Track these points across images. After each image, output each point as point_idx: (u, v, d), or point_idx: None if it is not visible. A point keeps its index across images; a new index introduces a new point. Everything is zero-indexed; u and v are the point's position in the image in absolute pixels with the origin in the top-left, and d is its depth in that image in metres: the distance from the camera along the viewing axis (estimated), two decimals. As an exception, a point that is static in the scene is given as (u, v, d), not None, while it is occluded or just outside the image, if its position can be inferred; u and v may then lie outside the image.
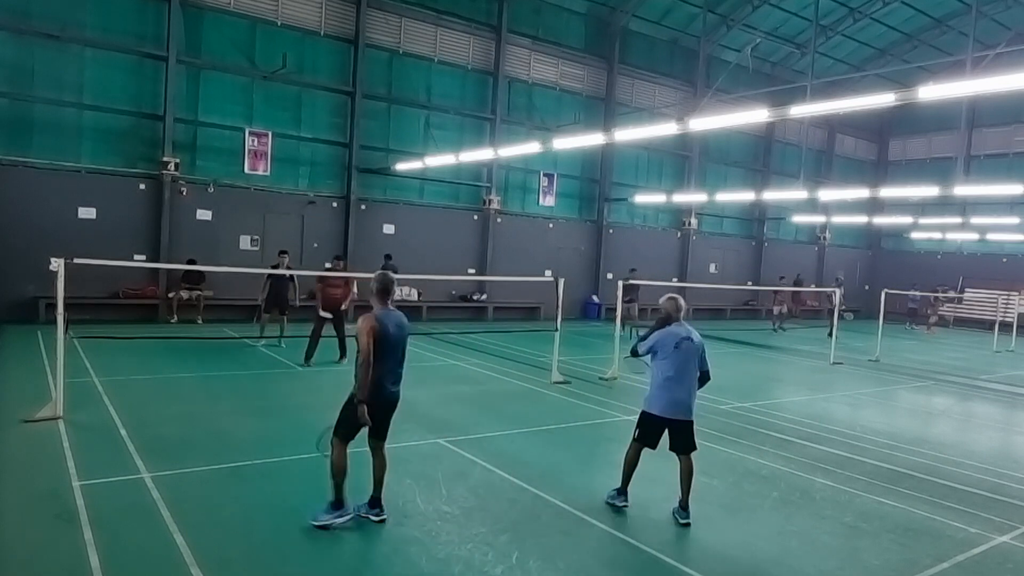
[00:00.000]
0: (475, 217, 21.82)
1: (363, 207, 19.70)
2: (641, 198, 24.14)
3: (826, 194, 23.64)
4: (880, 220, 28.98)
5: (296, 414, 8.67)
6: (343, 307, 12.04)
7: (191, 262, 15.64)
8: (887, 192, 24.46)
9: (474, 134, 21.42)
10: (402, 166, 19.22)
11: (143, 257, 16.36)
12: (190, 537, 4.91)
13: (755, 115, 13.37)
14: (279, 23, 18.12)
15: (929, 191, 20.05)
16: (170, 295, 16.64)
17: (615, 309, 13.33)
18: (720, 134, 26.02)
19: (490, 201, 21.77)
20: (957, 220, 25.56)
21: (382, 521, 5.38)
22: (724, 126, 19.66)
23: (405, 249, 19.71)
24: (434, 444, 7.66)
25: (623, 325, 13.44)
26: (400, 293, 20.18)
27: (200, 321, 16.52)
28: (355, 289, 12.39)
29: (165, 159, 16.55)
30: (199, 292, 16.80)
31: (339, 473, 5.29)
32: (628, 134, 17.16)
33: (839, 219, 29.42)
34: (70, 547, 4.69)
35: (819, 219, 29.36)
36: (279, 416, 8.64)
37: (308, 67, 18.57)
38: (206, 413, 8.58)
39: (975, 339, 24.19)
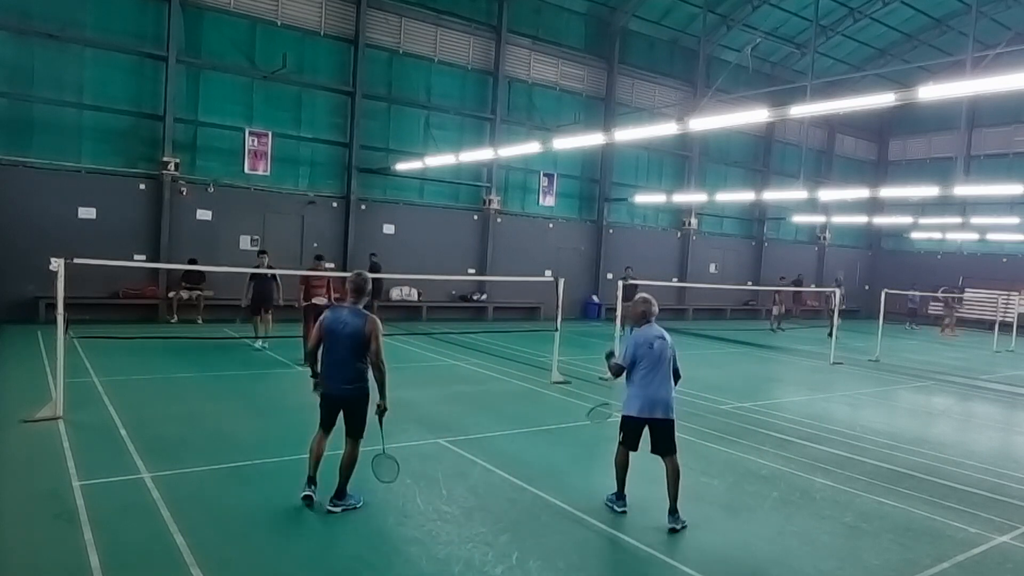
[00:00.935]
0: (475, 217, 21.82)
1: (363, 207, 19.70)
2: (641, 198, 24.14)
3: (826, 194, 23.64)
4: (880, 220, 28.99)
5: (296, 414, 8.64)
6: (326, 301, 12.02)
7: (192, 261, 15.64)
8: (887, 192, 24.47)
9: (474, 134, 21.42)
10: (402, 166, 19.23)
11: (143, 257, 16.37)
12: (190, 537, 4.91)
13: (755, 115, 13.37)
14: (279, 23, 18.13)
15: (929, 191, 20.06)
16: (170, 295, 16.64)
17: (615, 309, 13.33)
18: (720, 134, 26.01)
19: (490, 201, 21.77)
20: (957, 220, 25.57)
21: (336, 512, 5.49)
22: (724, 126, 19.65)
23: (405, 249, 19.73)
24: (434, 444, 7.66)
25: (622, 325, 13.44)
26: (400, 293, 20.22)
27: (200, 321, 16.53)
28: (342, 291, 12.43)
29: (165, 159, 16.55)
30: (199, 292, 16.81)
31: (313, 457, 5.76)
32: (628, 134, 17.16)
33: (839, 219, 29.43)
34: (70, 547, 4.69)
35: (819, 219, 29.36)
36: (279, 416, 8.64)
37: (308, 67, 18.57)
38: (206, 413, 8.58)
39: (975, 339, 24.18)
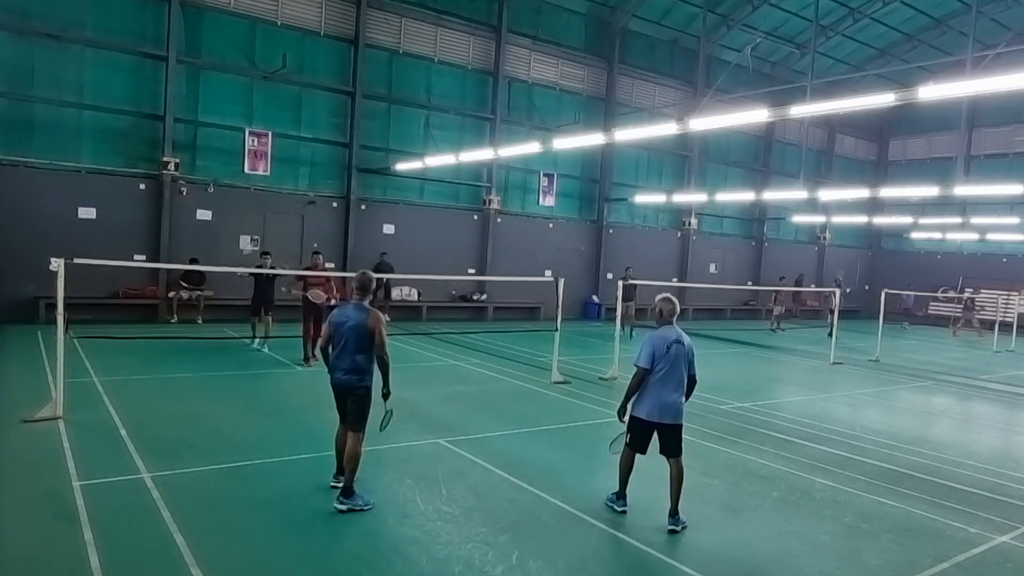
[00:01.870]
0: (475, 217, 21.82)
1: (363, 207, 19.70)
2: (641, 198, 24.14)
3: (826, 194, 23.64)
4: (880, 220, 28.98)
5: (296, 414, 8.67)
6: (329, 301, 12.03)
7: (193, 261, 15.64)
8: (887, 192, 24.46)
9: (474, 134, 21.42)
10: (402, 166, 19.23)
11: (143, 257, 16.36)
12: (190, 537, 4.91)
13: (755, 115, 13.36)
14: (279, 23, 18.12)
15: (929, 191, 20.06)
16: (170, 295, 16.64)
17: (615, 309, 13.34)
18: (720, 134, 26.01)
19: (490, 201, 21.77)
20: (957, 220, 25.57)
21: (343, 511, 5.54)
22: (724, 126, 19.64)
23: (405, 249, 19.72)
24: (434, 444, 7.66)
25: (622, 326, 13.45)
26: (400, 293, 20.23)
27: (200, 321, 16.52)
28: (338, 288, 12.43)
29: (165, 159, 16.55)
30: (199, 292, 16.81)
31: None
32: (628, 134, 17.16)
33: (839, 219, 29.42)
34: (70, 547, 4.69)
35: (819, 219, 29.35)
36: (279, 416, 8.64)
37: (308, 67, 18.57)
38: (206, 413, 8.58)
39: (975, 339, 24.18)
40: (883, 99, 10.48)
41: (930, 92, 10.16)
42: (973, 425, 11.19)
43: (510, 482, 6.55)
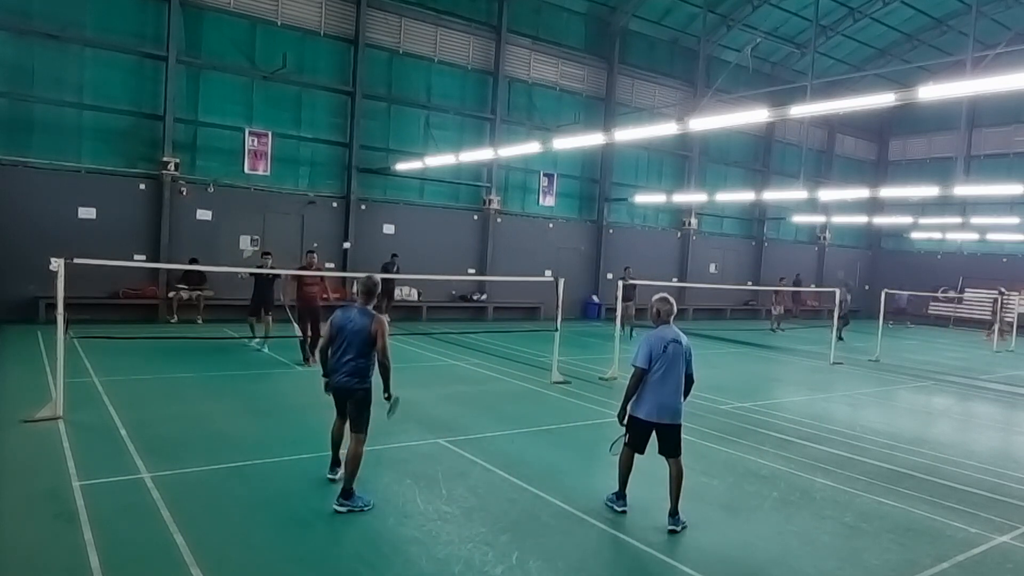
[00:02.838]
0: (475, 217, 21.82)
1: (363, 207, 19.70)
2: (641, 198, 24.14)
3: (826, 194, 23.64)
4: (880, 220, 28.99)
5: (296, 414, 8.67)
6: (320, 302, 11.98)
7: (193, 261, 15.64)
8: (887, 192, 24.48)
9: (474, 134, 21.42)
10: (402, 166, 19.23)
11: (143, 257, 16.36)
12: (190, 537, 4.91)
13: (755, 115, 13.37)
14: (279, 23, 18.12)
15: (929, 191, 20.07)
16: (170, 295, 16.63)
17: (615, 309, 13.33)
18: (720, 134, 26.01)
19: (490, 201, 21.77)
20: (957, 220, 25.57)
21: (342, 512, 5.54)
22: (724, 126, 19.65)
23: (405, 249, 19.69)
24: (434, 444, 7.66)
25: (622, 326, 13.46)
26: (400, 293, 20.23)
27: (200, 321, 16.52)
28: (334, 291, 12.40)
29: (165, 159, 16.55)
30: (199, 292, 16.80)
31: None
32: (628, 134, 17.16)
33: (839, 219, 29.43)
34: (70, 547, 4.69)
35: (819, 219, 29.36)
36: (279, 416, 8.64)
37: (308, 67, 18.57)
38: (206, 413, 8.58)
39: (975, 339, 24.18)
40: (883, 99, 10.48)
41: (930, 92, 10.16)
42: (973, 425, 11.19)
43: (510, 482, 6.55)
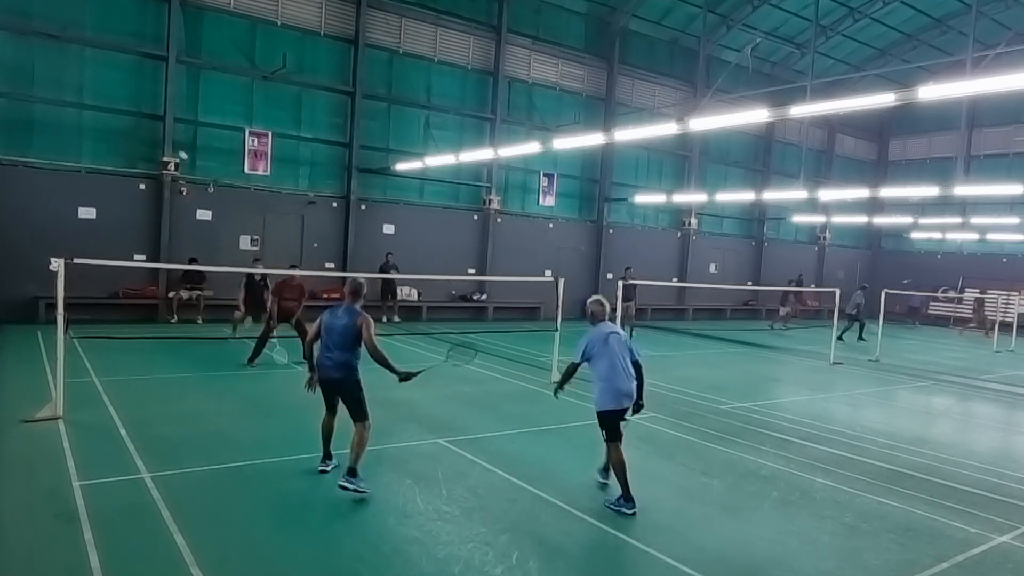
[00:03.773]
0: (475, 217, 21.82)
1: (363, 207, 19.70)
2: (641, 198, 24.13)
3: (826, 194, 23.63)
4: (880, 220, 28.98)
5: (296, 414, 8.64)
6: (295, 316, 11.83)
7: (193, 261, 15.64)
8: (887, 192, 24.46)
9: (474, 134, 21.41)
10: (402, 166, 19.22)
11: (143, 257, 16.36)
12: (190, 537, 4.91)
13: (755, 115, 13.36)
14: (279, 23, 18.12)
15: (929, 191, 20.05)
16: (170, 295, 16.63)
17: (615, 309, 13.32)
18: (720, 134, 26.01)
19: (490, 201, 21.76)
20: (957, 220, 25.56)
21: (348, 490, 5.76)
22: (724, 126, 19.64)
23: (405, 249, 19.72)
24: (434, 444, 7.66)
25: (622, 325, 13.44)
26: (400, 293, 20.24)
27: (200, 321, 16.52)
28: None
29: (165, 159, 16.55)
30: (199, 292, 16.80)
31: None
32: (628, 134, 17.15)
33: (839, 219, 29.42)
34: (70, 547, 4.69)
35: (819, 219, 29.36)
36: (279, 416, 8.64)
37: (308, 67, 18.57)
38: (206, 413, 8.58)
39: (975, 339, 24.18)
40: (883, 99, 10.48)
41: (930, 92, 10.16)
42: (973, 425, 11.19)
43: (510, 482, 6.55)
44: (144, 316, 16.49)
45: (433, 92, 20.68)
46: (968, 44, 17.29)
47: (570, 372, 6.36)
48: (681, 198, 24.39)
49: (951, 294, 27.44)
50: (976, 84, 9.91)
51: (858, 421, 10.26)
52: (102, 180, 16.13)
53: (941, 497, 6.82)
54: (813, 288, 27.91)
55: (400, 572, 4.70)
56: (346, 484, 5.77)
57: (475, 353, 6.18)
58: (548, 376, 11.63)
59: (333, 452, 6.44)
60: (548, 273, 20.67)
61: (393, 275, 17.96)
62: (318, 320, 6.32)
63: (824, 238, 31.81)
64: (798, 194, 22.50)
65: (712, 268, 27.78)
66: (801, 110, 13.43)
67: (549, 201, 23.21)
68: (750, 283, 28.41)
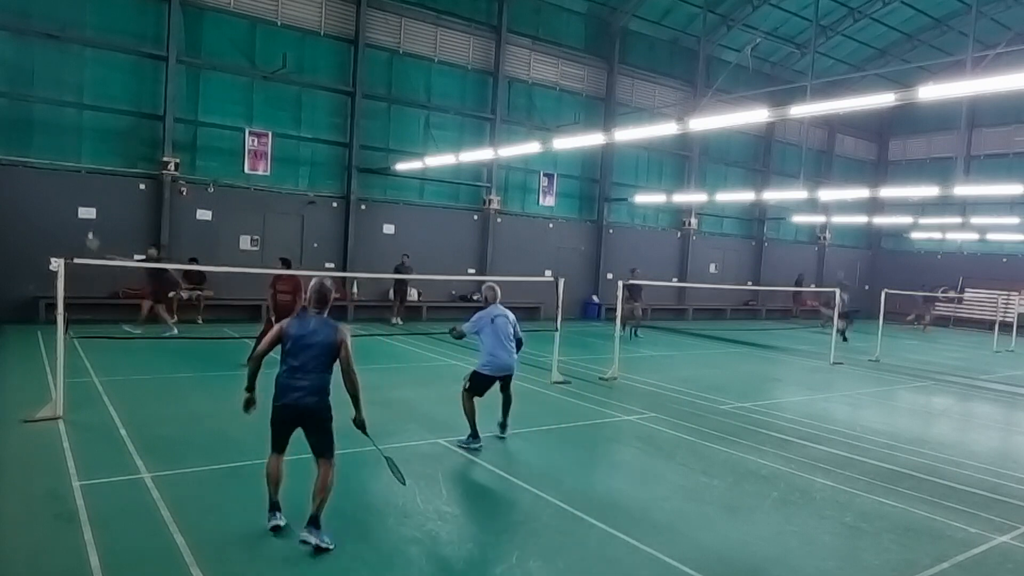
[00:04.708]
0: (475, 217, 21.82)
1: (363, 207, 19.70)
2: (641, 198, 24.14)
3: (826, 194, 23.65)
4: (880, 220, 28.99)
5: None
6: (295, 312, 11.71)
7: (193, 261, 15.63)
8: (887, 192, 24.47)
9: (474, 134, 21.41)
10: (402, 166, 19.22)
11: (143, 257, 16.33)
12: (190, 537, 4.91)
13: (755, 115, 13.37)
14: (279, 23, 18.12)
15: (929, 191, 20.06)
16: (170, 295, 16.59)
17: (615, 309, 13.33)
18: (720, 134, 26.00)
19: (490, 201, 21.76)
20: (957, 220, 25.56)
21: (314, 548, 4.81)
22: (724, 126, 19.63)
23: (405, 249, 19.70)
24: (434, 444, 7.66)
25: (623, 325, 13.45)
26: (411, 295, 20.22)
27: (200, 321, 16.51)
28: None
29: (165, 159, 16.55)
30: (200, 292, 16.79)
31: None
32: (628, 134, 17.15)
33: (839, 219, 29.43)
34: (70, 547, 4.69)
35: (819, 219, 29.37)
36: (279, 416, 8.62)
37: (308, 67, 18.57)
38: (206, 413, 8.57)
39: (975, 339, 24.19)
40: (883, 99, 10.48)
41: (930, 92, 10.16)
42: (973, 425, 11.19)
43: (510, 482, 6.55)
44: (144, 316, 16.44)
45: (433, 92, 20.68)
46: (968, 44, 17.28)
47: (458, 337, 7.88)
48: (681, 198, 24.40)
49: (951, 294, 27.44)
50: (976, 84, 9.91)
51: (858, 421, 10.26)
52: (102, 180, 16.12)
53: (941, 497, 6.82)
54: (813, 288, 27.92)
55: (400, 572, 4.69)
56: (308, 537, 4.81)
57: (403, 480, 5.41)
58: (548, 376, 11.64)
59: (284, 496, 5.27)
60: (548, 273, 20.67)
61: (408, 276, 18.01)
62: (276, 329, 5.22)
63: (824, 238, 31.82)
64: (798, 194, 22.50)
65: (712, 268, 27.78)
66: (801, 110, 13.43)
67: (549, 201, 23.22)
68: (750, 283, 28.41)
